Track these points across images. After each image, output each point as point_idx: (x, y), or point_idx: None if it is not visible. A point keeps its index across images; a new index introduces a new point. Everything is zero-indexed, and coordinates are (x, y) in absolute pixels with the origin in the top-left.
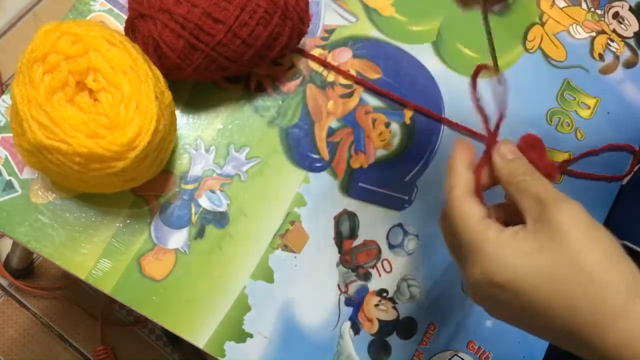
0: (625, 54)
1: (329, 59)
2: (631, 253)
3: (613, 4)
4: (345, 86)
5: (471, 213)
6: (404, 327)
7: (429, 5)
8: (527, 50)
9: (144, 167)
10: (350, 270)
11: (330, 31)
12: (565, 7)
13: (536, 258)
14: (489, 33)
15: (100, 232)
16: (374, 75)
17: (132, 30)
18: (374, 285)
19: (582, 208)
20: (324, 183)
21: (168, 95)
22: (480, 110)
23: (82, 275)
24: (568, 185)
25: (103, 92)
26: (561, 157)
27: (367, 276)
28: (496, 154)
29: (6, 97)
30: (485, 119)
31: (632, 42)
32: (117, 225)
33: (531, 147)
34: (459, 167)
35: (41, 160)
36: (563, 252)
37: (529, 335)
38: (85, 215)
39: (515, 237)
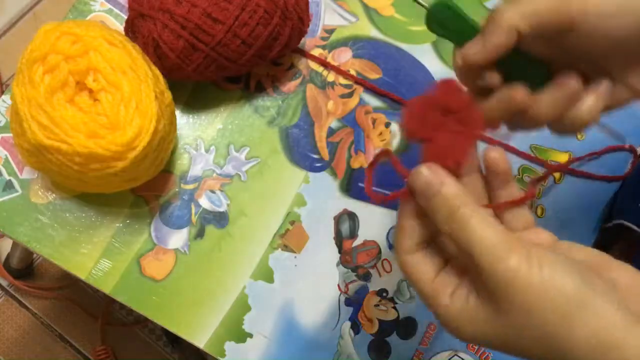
0: None
1: (329, 59)
2: (625, 229)
3: None
4: (345, 86)
5: (420, 277)
6: (404, 327)
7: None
8: None
9: (144, 167)
10: (350, 270)
11: (330, 31)
12: None
13: (493, 327)
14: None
15: (100, 232)
16: (374, 75)
17: (132, 30)
18: (374, 285)
19: (531, 252)
20: (324, 183)
21: (168, 95)
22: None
23: (82, 275)
24: (568, 185)
25: (103, 92)
26: (561, 157)
27: (367, 276)
28: (413, 187)
29: (6, 97)
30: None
31: None
32: (117, 225)
33: (446, 100)
34: (402, 220)
35: (41, 160)
36: (519, 319)
37: None
38: (85, 215)
39: (467, 306)
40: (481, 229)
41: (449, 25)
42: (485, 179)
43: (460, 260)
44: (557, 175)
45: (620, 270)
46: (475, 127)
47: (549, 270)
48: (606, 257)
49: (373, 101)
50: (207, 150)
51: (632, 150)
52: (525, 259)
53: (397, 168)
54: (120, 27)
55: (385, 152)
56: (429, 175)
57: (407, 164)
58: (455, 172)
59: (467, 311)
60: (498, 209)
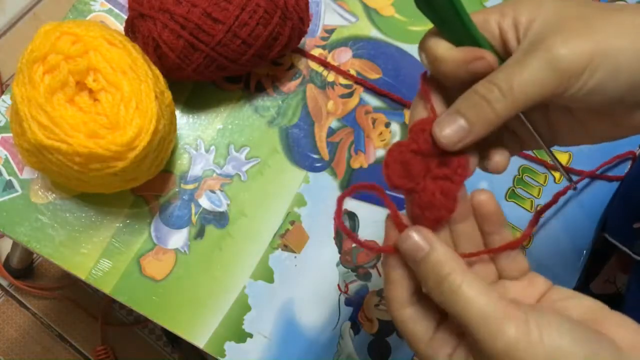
0: None
1: (329, 59)
2: (610, 246)
3: (613, 4)
4: (345, 86)
5: (416, 335)
6: None
7: None
8: None
9: (144, 167)
10: (350, 270)
11: (330, 31)
12: None
13: None
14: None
15: (100, 232)
16: (374, 75)
17: (132, 30)
18: (374, 285)
19: (529, 319)
20: (324, 183)
21: (168, 95)
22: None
23: (82, 275)
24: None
25: (103, 92)
26: (561, 157)
27: (367, 276)
28: (400, 248)
29: (6, 97)
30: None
31: None
32: (117, 225)
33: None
34: (390, 271)
35: (41, 160)
36: None
37: None
38: (85, 215)
39: None
40: (473, 298)
41: (437, 8)
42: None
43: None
44: (557, 175)
45: (619, 328)
46: (460, 167)
47: (550, 338)
48: (604, 310)
49: (373, 101)
50: (207, 150)
51: (632, 155)
52: (524, 328)
53: (390, 208)
54: (120, 27)
55: (372, 187)
56: (418, 239)
57: None
58: (447, 220)
59: None
60: (492, 254)
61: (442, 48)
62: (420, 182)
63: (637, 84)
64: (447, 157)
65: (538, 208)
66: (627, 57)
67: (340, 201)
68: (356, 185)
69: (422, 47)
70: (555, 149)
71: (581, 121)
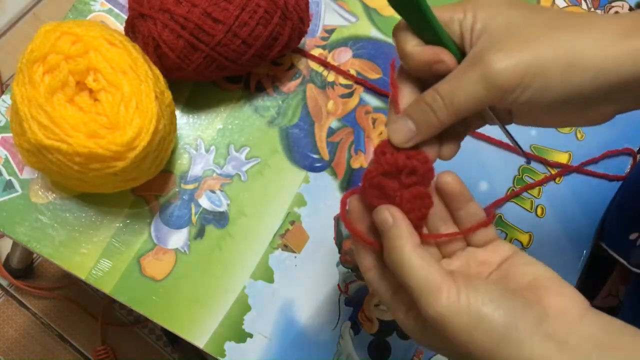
0: None
1: (329, 59)
2: (604, 256)
3: (613, 4)
4: (345, 86)
5: (381, 293)
6: None
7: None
8: None
9: (144, 167)
10: (350, 270)
11: (330, 31)
12: (565, 7)
13: (438, 347)
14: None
15: (100, 232)
16: (374, 75)
17: (132, 30)
18: None
19: (461, 290)
20: (324, 183)
21: (168, 95)
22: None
23: (82, 275)
24: (569, 185)
25: (103, 92)
26: (561, 157)
27: None
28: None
29: (6, 97)
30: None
31: None
32: (117, 225)
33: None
34: (357, 244)
35: (41, 160)
36: (456, 349)
37: None
38: (85, 215)
39: (417, 325)
40: (416, 269)
41: (407, 7)
42: (445, 201)
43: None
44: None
45: (557, 296)
46: (427, 171)
47: (478, 308)
48: (552, 279)
49: (373, 101)
50: (207, 150)
51: (631, 153)
52: (455, 297)
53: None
54: (120, 27)
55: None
56: (387, 215)
57: None
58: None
59: (418, 328)
60: (464, 234)
61: (410, 45)
62: (397, 195)
63: (565, 98)
64: (412, 166)
65: (538, 207)
66: (556, 77)
67: (343, 202)
68: (355, 189)
69: (394, 39)
70: (555, 149)
71: (530, 114)
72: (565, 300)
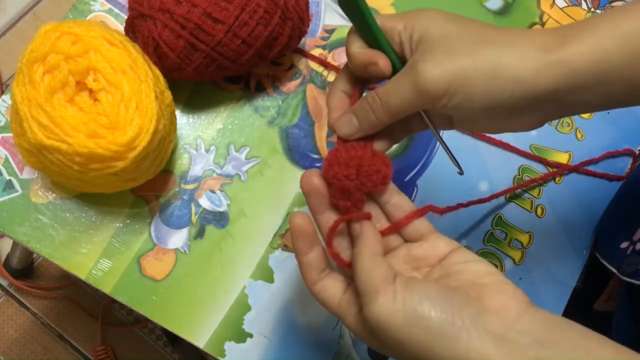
0: None
1: (329, 59)
2: (600, 266)
3: (613, 4)
4: None
5: (327, 301)
6: None
7: (429, 6)
8: None
9: (144, 167)
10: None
11: (330, 31)
12: (566, 7)
13: (381, 347)
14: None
15: (100, 232)
16: None
17: (132, 30)
18: None
19: (397, 291)
20: None
21: (168, 95)
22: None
23: (82, 275)
24: (569, 185)
25: (103, 92)
26: (561, 157)
27: None
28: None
29: (6, 97)
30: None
31: None
32: (117, 225)
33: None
34: (299, 258)
35: (41, 160)
36: (394, 348)
37: None
38: (85, 215)
39: (365, 327)
40: (364, 270)
41: (352, 10)
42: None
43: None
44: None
45: (497, 293)
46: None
47: (413, 307)
48: (493, 275)
49: None
50: (207, 150)
51: (631, 153)
52: (391, 298)
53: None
54: (120, 27)
55: (361, 216)
56: (357, 227)
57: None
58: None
59: (365, 333)
60: (397, 228)
61: (354, 47)
62: (358, 200)
63: (489, 106)
64: (365, 161)
65: (538, 207)
66: (479, 87)
67: (332, 230)
68: (344, 217)
69: (346, 40)
70: (555, 149)
71: (464, 120)
72: (505, 298)
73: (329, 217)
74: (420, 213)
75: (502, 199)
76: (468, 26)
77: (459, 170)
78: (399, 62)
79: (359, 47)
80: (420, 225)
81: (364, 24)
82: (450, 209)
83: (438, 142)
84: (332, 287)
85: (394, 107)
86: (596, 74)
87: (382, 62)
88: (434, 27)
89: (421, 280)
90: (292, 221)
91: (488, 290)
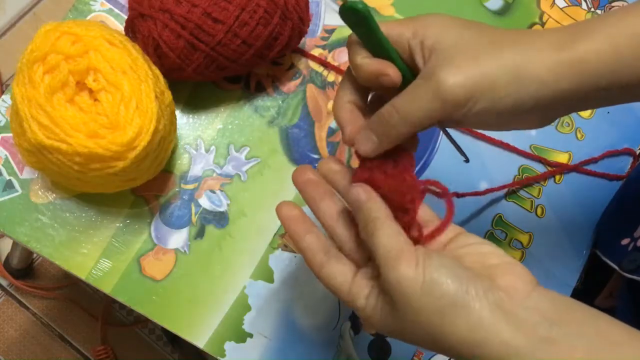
0: None
1: (329, 59)
2: (600, 263)
3: (613, 4)
4: None
5: (337, 287)
6: None
7: (429, 5)
8: None
9: (144, 167)
10: None
11: (330, 31)
12: (566, 7)
13: (393, 322)
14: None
15: (100, 232)
16: None
17: (132, 30)
18: None
19: (419, 260)
20: None
21: (168, 95)
22: None
23: (82, 275)
24: (569, 184)
25: (103, 92)
26: (561, 157)
27: None
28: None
29: (6, 97)
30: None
31: None
32: (117, 225)
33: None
34: (299, 244)
35: (41, 160)
36: (410, 317)
37: None
38: (85, 215)
39: (377, 305)
40: (385, 239)
41: (355, 20)
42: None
43: (373, 264)
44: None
45: (507, 274)
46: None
47: (430, 275)
48: (501, 256)
49: None
50: (207, 150)
51: (631, 153)
52: (413, 267)
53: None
54: (120, 27)
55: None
56: (360, 191)
57: None
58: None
59: (377, 309)
60: (438, 233)
61: (360, 57)
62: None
63: (511, 109)
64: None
65: (538, 207)
66: (502, 91)
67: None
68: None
69: (348, 50)
70: (555, 149)
71: (476, 122)
72: (513, 277)
73: (329, 206)
74: (422, 194)
75: (502, 199)
76: (482, 30)
77: (464, 159)
78: (409, 71)
79: (364, 57)
80: (424, 212)
81: (369, 33)
82: (446, 194)
83: (439, 139)
84: (341, 274)
85: (414, 119)
86: (611, 72)
87: (393, 72)
88: (448, 33)
89: (436, 251)
90: (278, 211)
91: (497, 271)
